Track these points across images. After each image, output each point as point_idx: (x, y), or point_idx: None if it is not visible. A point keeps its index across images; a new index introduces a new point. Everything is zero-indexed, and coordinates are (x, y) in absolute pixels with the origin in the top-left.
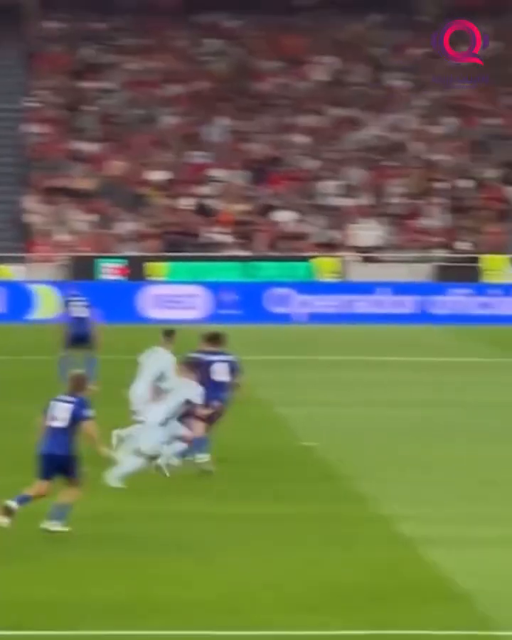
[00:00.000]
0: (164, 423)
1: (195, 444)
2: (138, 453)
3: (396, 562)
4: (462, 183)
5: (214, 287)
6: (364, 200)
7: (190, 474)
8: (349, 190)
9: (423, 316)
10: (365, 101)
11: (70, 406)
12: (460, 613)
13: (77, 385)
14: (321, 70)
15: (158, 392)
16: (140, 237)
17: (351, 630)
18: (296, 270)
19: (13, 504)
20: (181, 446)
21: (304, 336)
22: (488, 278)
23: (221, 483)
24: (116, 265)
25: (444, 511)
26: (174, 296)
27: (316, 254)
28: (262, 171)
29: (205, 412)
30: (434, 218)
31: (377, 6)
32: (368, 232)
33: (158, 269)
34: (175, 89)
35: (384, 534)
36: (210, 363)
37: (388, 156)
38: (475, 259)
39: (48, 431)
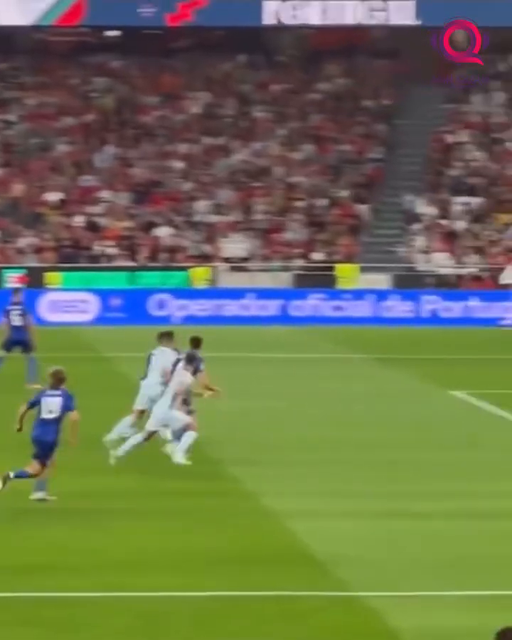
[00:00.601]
0: (170, 408)
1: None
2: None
3: (262, 532)
4: (318, 202)
5: (103, 294)
6: (233, 217)
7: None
8: (220, 209)
9: (284, 318)
10: (233, 131)
11: (59, 400)
12: (318, 577)
13: (59, 379)
14: (194, 104)
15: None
16: (38, 250)
17: (222, 591)
18: (173, 278)
19: (11, 474)
20: (188, 433)
21: (180, 336)
22: (341, 284)
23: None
24: (18, 274)
25: (305, 487)
26: (69, 301)
27: (191, 264)
28: (144, 192)
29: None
30: (294, 232)
31: (243, 48)
32: (236, 245)
33: (55, 278)
34: (68, 121)
35: (251, 508)
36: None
37: (254, 178)
38: (329, 268)
39: (42, 421)
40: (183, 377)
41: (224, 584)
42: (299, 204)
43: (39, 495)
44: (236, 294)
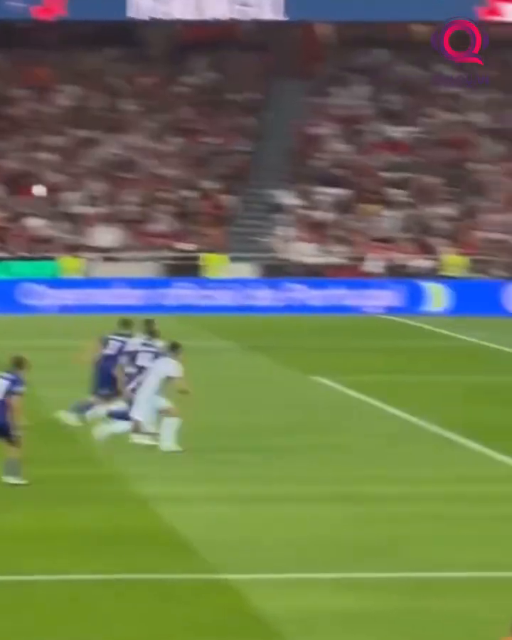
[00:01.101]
0: (150, 398)
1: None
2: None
3: (132, 516)
4: (187, 193)
5: None
6: (103, 208)
7: None
8: (90, 200)
9: (153, 307)
10: (103, 123)
11: (6, 382)
12: (188, 560)
13: (17, 364)
14: (65, 97)
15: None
16: None
17: (94, 574)
18: (45, 268)
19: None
20: (170, 420)
21: (52, 324)
22: (208, 274)
23: None
24: None
25: (174, 472)
26: None
27: (62, 254)
28: (15, 183)
29: (182, 387)
30: (163, 223)
31: (113, 42)
32: (106, 236)
33: None
34: None
35: (121, 492)
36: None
37: (123, 170)
38: (197, 258)
39: None
40: (166, 365)
41: (95, 568)
42: (167, 195)
43: (14, 480)
44: (106, 283)
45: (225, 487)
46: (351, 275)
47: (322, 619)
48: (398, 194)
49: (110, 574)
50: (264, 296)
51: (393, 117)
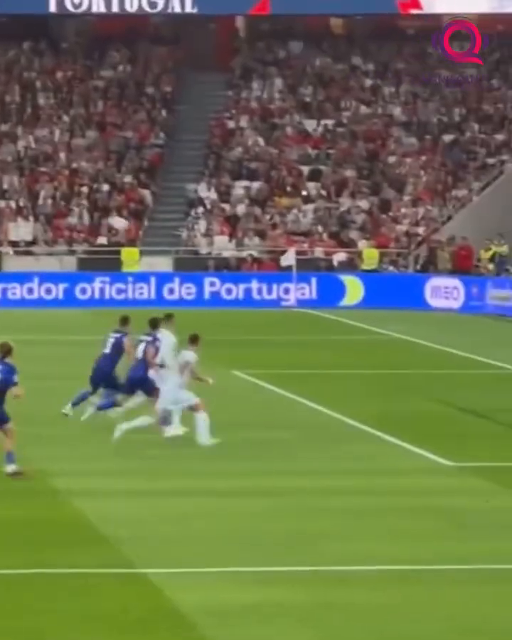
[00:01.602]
0: (176, 394)
1: None
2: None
3: (50, 510)
4: (102, 187)
5: None
6: (19, 202)
7: None
8: (5, 194)
9: (70, 301)
10: (19, 117)
11: None
12: (105, 554)
13: (5, 352)
14: None
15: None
16: None
17: (11, 569)
18: None
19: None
20: (200, 415)
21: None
22: (124, 268)
23: None
24: None
25: (94, 467)
26: None
27: None
28: None
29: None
30: (79, 217)
31: (28, 35)
32: (22, 230)
33: None
34: None
35: (40, 487)
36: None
37: (39, 164)
38: (113, 252)
39: None
40: (188, 356)
41: (9, 562)
42: (83, 189)
43: (13, 468)
44: (21, 277)
45: (142, 482)
46: (267, 269)
47: (237, 613)
48: (314, 187)
49: (25, 568)
50: (179, 291)
51: (308, 110)
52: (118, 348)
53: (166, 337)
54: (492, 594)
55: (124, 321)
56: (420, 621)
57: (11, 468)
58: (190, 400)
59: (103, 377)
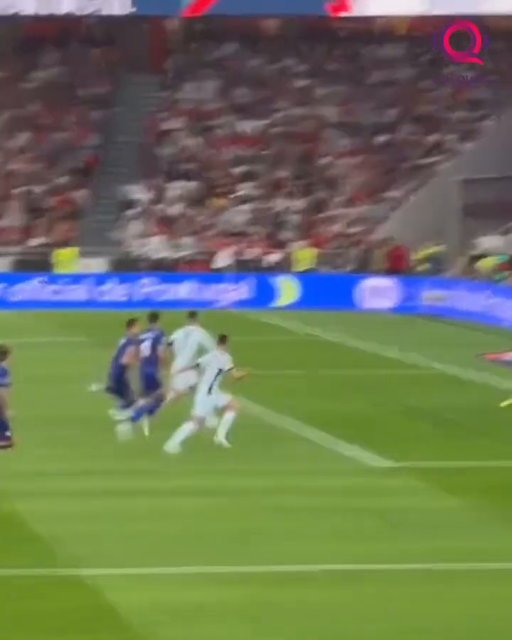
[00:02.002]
0: (209, 393)
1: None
2: (192, 419)
3: None
4: (37, 189)
5: None
6: None
7: None
8: None
9: (3, 303)
10: None
11: None
12: (42, 555)
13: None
14: None
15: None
16: None
17: None
18: None
19: None
20: (228, 414)
21: None
22: (59, 269)
23: None
24: None
25: (24, 467)
26: None
27: None
28: None
29: (239, 374)
30: (13, 218)
31: None
32: None
33: None
34: None
35: None
36: (142, 340)
37: None
38: (48, 253)
39: None
40: (220, 361)
41: None
42: (17, 191)
43: None
44: None
45: (78, 481)
46: (202, 270)
47: (180, 612)
48: (248, 188)
49: None
50: (114, 292)
51: (242, 111)
52: (153, 350)
53: (198, 334)
54: (432, 594)
55: (154, 317)
56: (364, 620)
57: None
58: (222, 401)
59: (151, 382)
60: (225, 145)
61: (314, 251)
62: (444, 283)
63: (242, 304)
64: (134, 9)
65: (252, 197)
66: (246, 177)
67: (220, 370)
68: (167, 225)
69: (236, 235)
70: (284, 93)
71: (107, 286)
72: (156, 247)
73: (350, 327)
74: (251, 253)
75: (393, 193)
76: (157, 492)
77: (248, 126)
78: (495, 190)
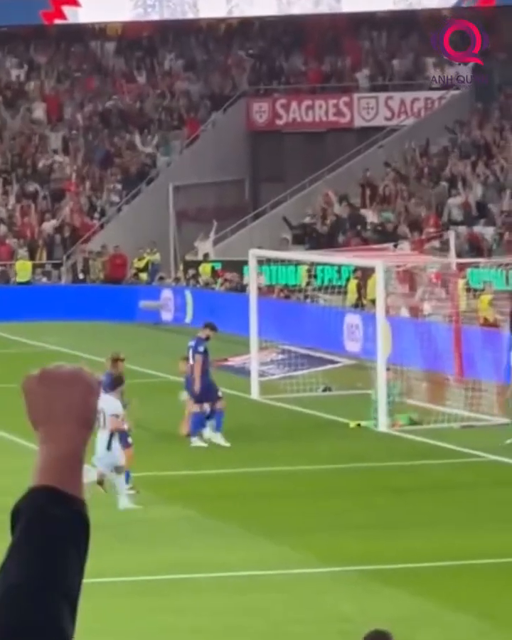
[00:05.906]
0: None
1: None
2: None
3: None
4: None
5: None
6: None
7: None
8: None
9: None
10: None
11: None
12: None
13: None
14: None
15: None
16: None
17: None
18: None
19: None
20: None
21: None
22: None
23: None
24: None
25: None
26: None
27: None
28: None
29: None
30: None
31: None
32: None
33: None
34: None
35: None
36: None
37: None
38: None
39: None
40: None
41: None
42: None
43: None
44: None
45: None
46: None
47: None
48: None
49: None
50: None
51: None
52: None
53: None
54: (148, 606)
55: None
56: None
57: None
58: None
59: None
60: None
61: (32, 262)
62: (161, 291)
63: None
64: None
65: None
66: None
67: (116, 416)
68: None
69: None
70: None
71: None
72: None
73: (69, 338)
74: None
75: (108, 201)
76: None
77: None
78: (211, 196)
